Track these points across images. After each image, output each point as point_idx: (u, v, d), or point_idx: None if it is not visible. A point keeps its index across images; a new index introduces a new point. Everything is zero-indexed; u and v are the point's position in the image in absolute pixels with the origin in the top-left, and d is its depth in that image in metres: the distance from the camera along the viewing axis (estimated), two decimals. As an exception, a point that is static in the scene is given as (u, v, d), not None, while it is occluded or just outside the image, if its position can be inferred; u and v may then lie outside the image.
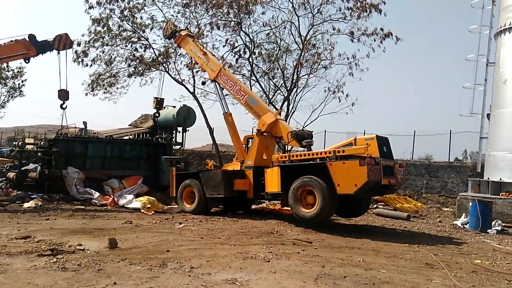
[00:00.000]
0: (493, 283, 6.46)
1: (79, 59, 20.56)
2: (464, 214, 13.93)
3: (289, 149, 13.02)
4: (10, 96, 42.01)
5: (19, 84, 41.85)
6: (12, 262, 6.27)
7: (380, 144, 10.57)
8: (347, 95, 20.42)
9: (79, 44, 20.24)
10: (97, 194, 14.84)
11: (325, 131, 23.79)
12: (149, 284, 5.51)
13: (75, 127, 20.19)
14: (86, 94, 22.63)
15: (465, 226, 13.15)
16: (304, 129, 14.98)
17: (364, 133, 22.55)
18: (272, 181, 11.78)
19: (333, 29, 19.89)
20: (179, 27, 17.61)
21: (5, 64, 36.55)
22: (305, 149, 11.85)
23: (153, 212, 13.11)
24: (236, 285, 5.63)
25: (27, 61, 14.66)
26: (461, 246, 9.60)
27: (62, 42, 14.94)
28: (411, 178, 19.30)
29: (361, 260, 7.40)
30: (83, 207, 13.43)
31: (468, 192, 16.39)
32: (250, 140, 14.06)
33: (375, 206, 15.94)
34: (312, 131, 13.36)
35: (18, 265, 6.12)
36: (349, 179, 9.94)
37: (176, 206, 13.96)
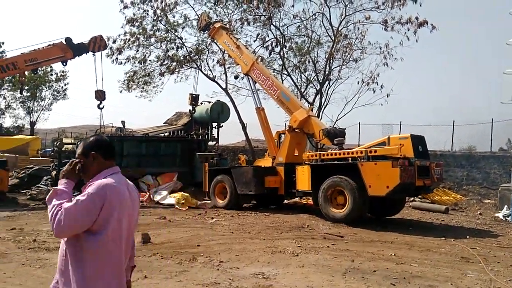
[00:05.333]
0: (533, 277, 6.17)
1: (114, 57, 21.19)
2: (506, 206, 13.35)
3: (320, 146, 12.83)
4: (54, 99, 43.72)
5: (62, 87, 43.50)
6: (51, 257, 6.57)
7: (414, 144, 10.15)
8: (381, 86, 20.00)
9: (114, 41, 20.86)
10: (133, 191, 15.16)
11: (359, 124, 23.39)
12: (178, 277, 5.63)
13: (112, 126, 20.83)
14: (121, 91, 23.34)
15: (507, 218, 12.59)
16: (336, 126, 14.72)
17: (400, 124, 22.05)
18: (303, 179, 11.69)
19: (366, 19, 19.56)
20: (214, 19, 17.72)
21: (48, 68, 38.03)
22: (337, 147, 11.62)
23: (187, 207, 13.35)
24: (263, 279, 5.66)
25: (64, 63, 15.26)
26: (501, 239, 9.20)
27: (97, 44, 15.43)
28: (450, 169, 18.64)
29: (393, 254, 7.25)
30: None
31: (511, 183, 15.65)
32: (282, 135, 13.99)
33: (411, 199, 15.52)
34: (345, 129, 13.06)
35: (56, 260, 6.38)
36: (381, 180, 9.66)
37: (209, 201, 14.15)
